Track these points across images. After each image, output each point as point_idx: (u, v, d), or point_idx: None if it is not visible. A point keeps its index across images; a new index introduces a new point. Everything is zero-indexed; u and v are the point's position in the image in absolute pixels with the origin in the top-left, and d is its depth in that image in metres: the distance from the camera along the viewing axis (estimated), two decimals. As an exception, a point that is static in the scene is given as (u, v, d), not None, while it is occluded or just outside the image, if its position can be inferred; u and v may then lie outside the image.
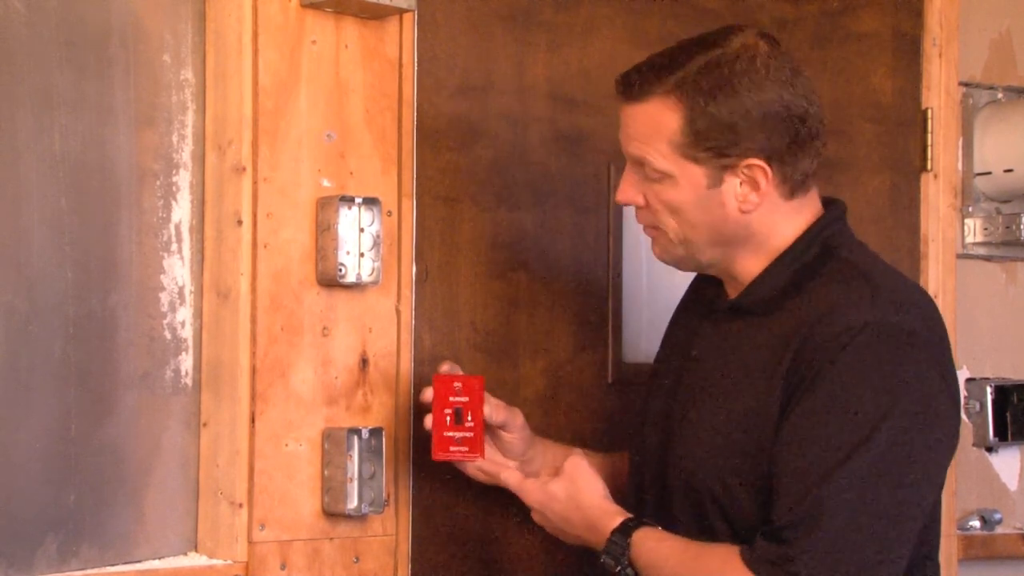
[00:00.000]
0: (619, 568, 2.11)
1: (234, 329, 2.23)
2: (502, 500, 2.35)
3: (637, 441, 2.24)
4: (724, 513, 2.08)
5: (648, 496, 2.20)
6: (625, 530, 2.12)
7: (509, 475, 2.23)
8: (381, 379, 2.32)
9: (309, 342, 2.26)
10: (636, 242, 2.47)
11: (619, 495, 2.22)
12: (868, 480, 1.97)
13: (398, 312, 2.33)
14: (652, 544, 2.10)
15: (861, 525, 1.96)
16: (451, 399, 2.23)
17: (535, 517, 2.22)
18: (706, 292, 2.22)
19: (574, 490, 2.17)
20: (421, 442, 2.33)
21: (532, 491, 2.20)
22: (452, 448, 2.23)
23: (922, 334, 2.04)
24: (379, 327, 2.31)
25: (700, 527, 2.10)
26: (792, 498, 1.98)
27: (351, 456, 2.24)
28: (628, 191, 2.14)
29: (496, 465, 2.27)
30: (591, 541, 2.17)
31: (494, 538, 2.43)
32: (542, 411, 2.47)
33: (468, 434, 2.23)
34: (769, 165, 2.07)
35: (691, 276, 2.30)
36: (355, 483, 2.24)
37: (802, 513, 1.96)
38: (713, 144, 2.06)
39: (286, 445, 2.24)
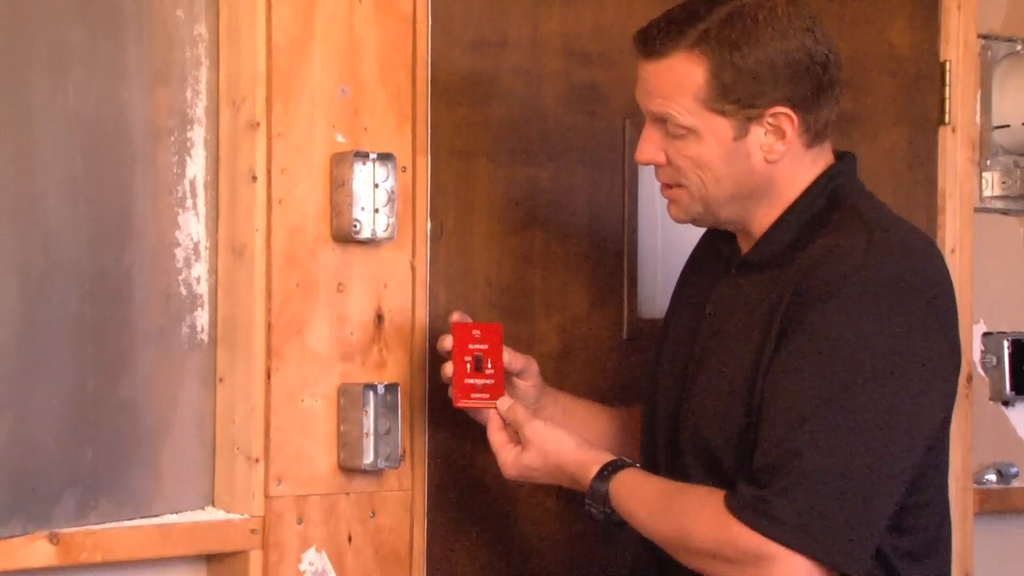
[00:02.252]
0: (601, 511, 2.12)
1: (249, 285, 2.24)
2: None
3: (650, 398, 2.25)
4: (734, 469, 2.07)
5: (661, 453, 2.20)
6: (602, 476, 2.13)
7: (495, 435, 2.22)
8: (396, 335, 2.32)
9: (324, 298, 2.27)
10: (651, 198, 2.49)
11: (628, 451, 2.23)
12: (850, 426, 1.97)
13: (413, 268, 2.34)
14: (631, 487, 2.11)
15: (841, 470, 1.96)
16: (470, 346, 2.22)
17: (515, 477, 2.23)
18: (720, 248, 2.22)
19: (545, 455, 2.18)
20: (437, 397, 2.34)
21: (509, 464, 2.21)
22: (474, 395, 2.22)
23: (919, 281, 2.04)
24: (394, 283, 2.32)
25: (713, 484, 2.08)
26: (771, 442, 1.99)
27: (367, 412, 2.25)
28: (649, 150, 2.14)
29: (517, 416, 2.22)
30: (577, 488, 2.18)
31: (511, 493, 2.44)
32: (557, 368, 2.47)
33: (489, 381, 2.22)
34: (795, 112, 2.08)
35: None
36: (371, 438, 2.25)
37: (780, 456, 1.97)
38: (739, 96, 2.07)
39: (302, 401, 2.26)
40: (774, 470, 1.97)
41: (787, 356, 2.02)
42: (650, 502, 2.08)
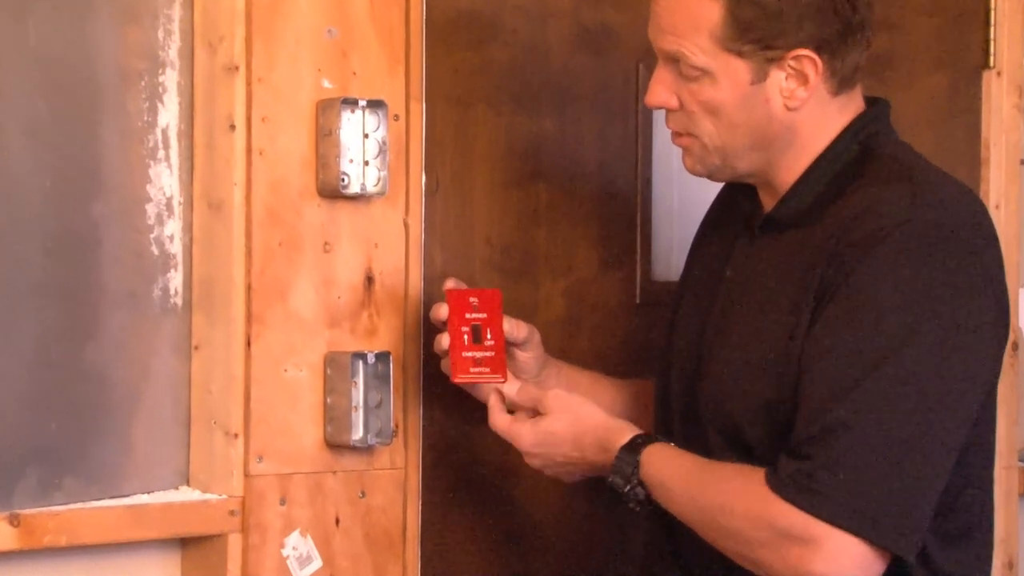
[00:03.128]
0: (628, 487, 2.10)
1: (227, 244, 2.22)
2: None
3: (664, 369, 2.24)
4: (763, 445, 2.06)
5: (677, 428, 2.19)
6: (633, 447, 2.11)
7: (497, 418, 2.21)
8: (388, 299, 2.31)
9: (309, 259, 2.26)
10: (667, 149, 2.41)
11: (640, 426, 2.20)
12: (896, 393, 1.95)
13: (406, 226, 2.33)
14: (664, 461, 2.09)
15: (887, 441, 1.94)
16: (467, 316, 2.20)
17: (530, 461, 2.21)
18: (741, 204, 2.20)
19: (573, 420, 2.17)
20: (432, 367, 2.32)
21: (526, 434, 2.18)
22: (473, 369, 2.20)
23: (968, 235, 2.02)
24: (386, 242, 2.31)
25: (735, 456, 2.08)
26: (814, 412, 1.97)
27: (356, 383, 2.24)
28: (660, 92, 2.11)
29: (532, 393, 2.23)
30: (599, 466, 2.16)
31: (512, 471, 2.42)
32: (564, 335, 2.46)
33: (489, 353, 2.21)
34: (819, 56, 2.05)
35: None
36: (360, 412, 2.24)
37: (823, 427, 1.95)
38: (758, 35, 2.04)
39: (285, 371, 2.24)
40: (818, 442, 1.95)
41: (828, 320, 1.99)
42: (684, 478, 2.06)
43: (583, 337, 2.50)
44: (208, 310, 2.25)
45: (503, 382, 2.22)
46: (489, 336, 2.21)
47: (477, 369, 2.20)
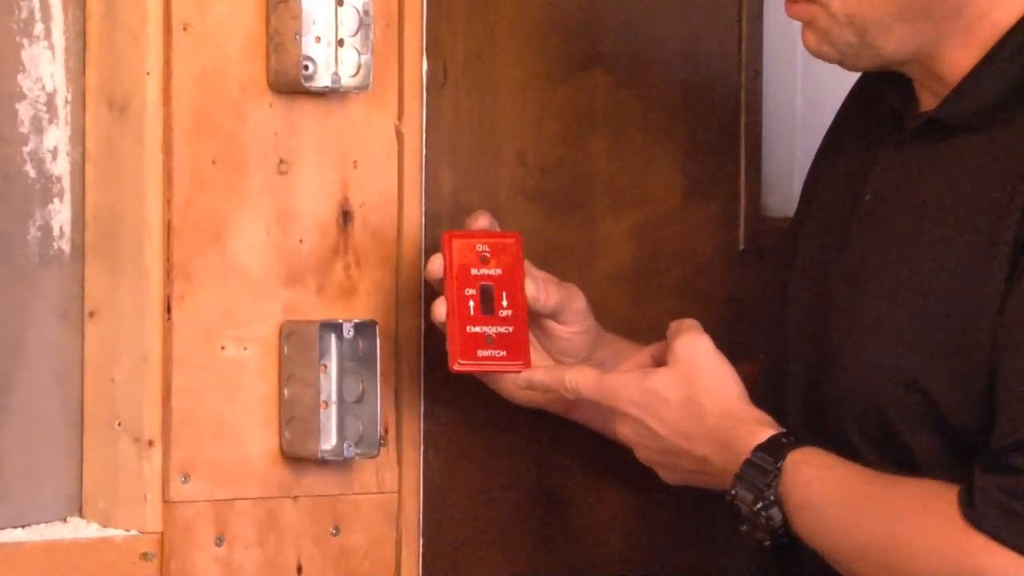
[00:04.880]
0: (759, 504, 2.03)
1: (137, 163, 2.13)
2: (568, 435, 2.28)
3: (777, 343, 2.18)
4: (934, 449, 2.01)
5: (795, 422, 2.11)
6: (775, 447, 2.04)
7: (578, 375, 2.12)
8: (373, 244, 2.22)
9: (257, 184, 2.16)
10: (784, 26, 2.33)
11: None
12: None
13: (400, 136, 2.23)
14: (817, 472, 2.03)
15: None
16: (474, 272, 2.11)
17: (624, 432, 2.12)
18: (887, 100, 2.12)
19: (693, 386, 2.10)
20: (437, 344, 2.21)
21: (625, 389, 2.10)
22: (481, 353, 2.12)
23: None
24: (370, 160, 2.22)
25: (888, 462, 2.03)
26: (1020, 408, 1.94)
27: (326, 367, 2.15)
28: None
29: (555, 370, 2.15)
30: (716, 469, 2.09)
31: (559, 496, 2.34)
32: (630, 295, 2.37)
33: (505, 328, 2.13)
34: None
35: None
36: (333, 409, 2.15)
37: None
38: None
39: (222, 348, 2.15)
40: None
41: None
42: (847, 500, 2.02)
43: (657, 298, 2.40)
44: (109, 260, 2.16)
45: (523, 370, 2.15)
46: (505, 303, 2.14)
47: (488, 352, 2.12)
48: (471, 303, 2.12)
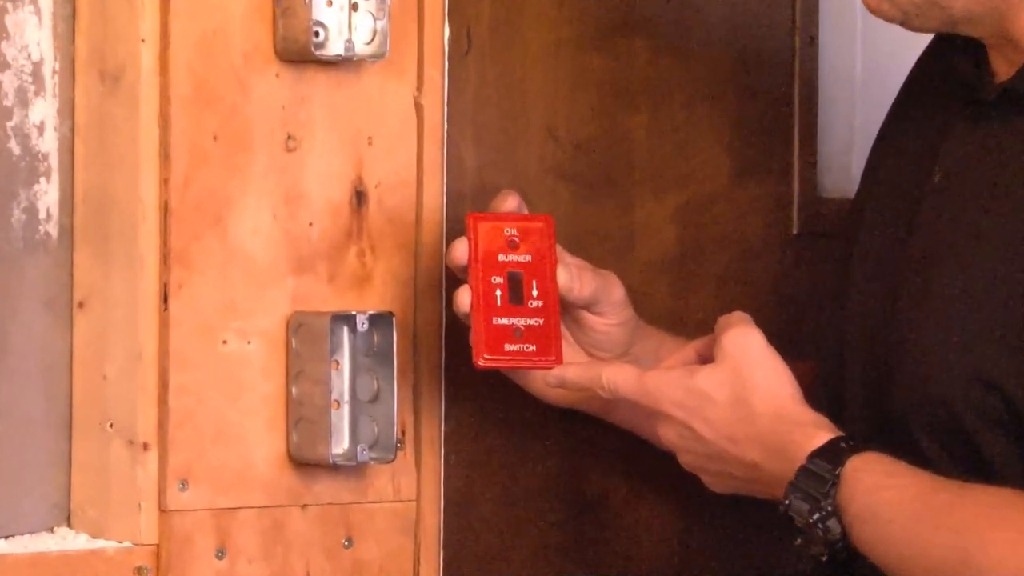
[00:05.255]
0: (816, 516, 1.99)
1: (131, 139, 2.10)
2: (603, 438, 2.25)
3: (836, 333, 2.15)
4: (1002, 442, 1.99)
5: (857, 423, 2.08)
6: (834, 453, 2.00)
7: (615, 373, 2.09)
8: (390, 228, 2.19)
9: (263, 162, 2.13)
10: None
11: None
12: None
13: (419, 108, 2.20)
14: (877, 480, 2.00)
15: None
16: (501, 258, 2.08)
17: (666, 435, 2.09)
18: (958, 71, 2.09)
19: (743, 385, 2.06)
20: (460, 338, 2.17)
21: (667, 388, 2.07)
22: (509, 347, 2.09)
23: None
24: (386, 135, 2.19)
25: (961, 469, 2.00)
26: None
27: (338, 363, 2.12)
28: None
29: (590, 367, 2.12)
30: (768, 477, 2.06)
31: (588, 503, 2.30)
32: (672, 284, 2.34)
33: (535, 320, 2.10)
34: None
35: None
36: (345, 409, 2.12)
37: None
38: None
39: (224, 343, 2.12)
40: None
41: None
42: (914, 512, 1.99)
43: (703, 287, 2.37)
44: (100, 245, 2.14)
45: (554, 366, 2.12)
46: (535, 292, 2.12)
47: (516, 347, 2.09)
48: (498, 292, 2.10)
